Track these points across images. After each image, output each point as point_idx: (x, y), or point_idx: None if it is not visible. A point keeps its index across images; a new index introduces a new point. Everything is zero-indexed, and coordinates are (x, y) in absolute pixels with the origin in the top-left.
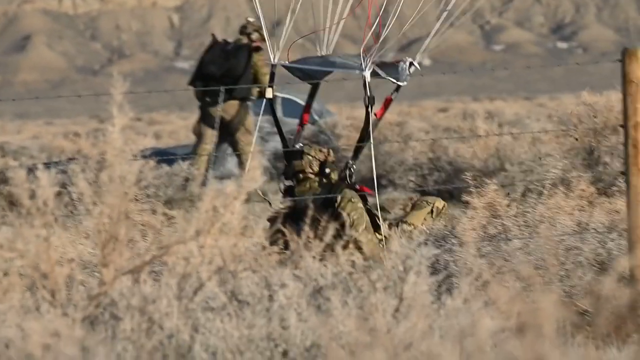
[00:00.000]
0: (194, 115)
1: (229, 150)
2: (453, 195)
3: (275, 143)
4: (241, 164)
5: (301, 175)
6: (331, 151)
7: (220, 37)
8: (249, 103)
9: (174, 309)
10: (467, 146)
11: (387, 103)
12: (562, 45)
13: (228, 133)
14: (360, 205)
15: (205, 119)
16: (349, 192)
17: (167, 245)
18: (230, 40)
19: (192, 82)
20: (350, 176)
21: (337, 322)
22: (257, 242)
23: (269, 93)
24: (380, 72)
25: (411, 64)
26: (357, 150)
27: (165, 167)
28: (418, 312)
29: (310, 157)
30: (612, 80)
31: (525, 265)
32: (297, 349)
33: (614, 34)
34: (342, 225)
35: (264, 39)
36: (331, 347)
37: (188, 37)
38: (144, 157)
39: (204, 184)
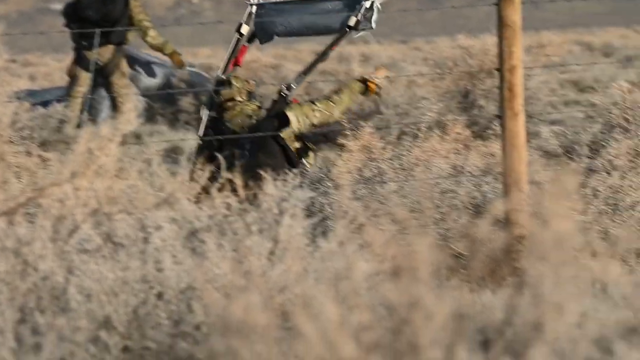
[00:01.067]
0: (69, 58)
1: (104, 93)
2: (328, 138)
3: (150, 82)
4: (116, 107)
5: (230, 103)
6: (254, 82)
7: None
8: (125, 47)
9: (48, 251)
10: None
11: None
12: None
13: (103, 76)
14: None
15: (80, 61)
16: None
17: (42, 187)
18: None
19: (68, 25)
20: (287, 96)
21: (212, 264)
22: (132, 185)
23: (244, 29)
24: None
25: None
26: (306, 72)
27: (40, 109)
28: (293, 255)
29: (239, 87)
30: (487, 23)
31: (401, 208)
32: (172, 291)
33: None
34: (285, 151)
35: None
36: (206, 290)
37: None
38: (19, 99)
39: (79, 126)
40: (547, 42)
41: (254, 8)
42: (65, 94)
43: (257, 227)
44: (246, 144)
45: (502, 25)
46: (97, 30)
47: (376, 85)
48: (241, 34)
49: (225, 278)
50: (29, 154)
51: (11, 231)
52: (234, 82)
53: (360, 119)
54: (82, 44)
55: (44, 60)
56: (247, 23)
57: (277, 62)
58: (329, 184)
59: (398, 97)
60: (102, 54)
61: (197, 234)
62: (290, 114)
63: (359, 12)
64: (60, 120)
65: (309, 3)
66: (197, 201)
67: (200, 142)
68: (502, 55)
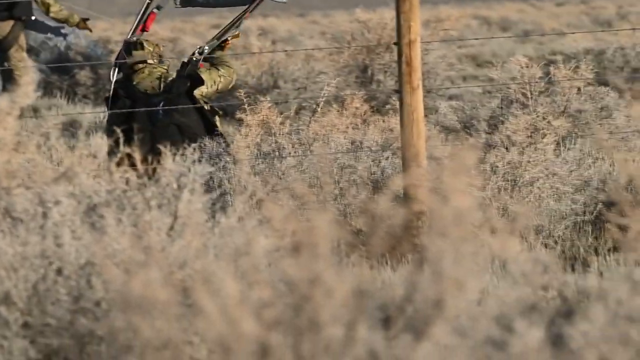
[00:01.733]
0: None
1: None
2: (227, 112)
3: (48, 56)
4: (14, 80)
5: (140, 65)
6: (164, 46)
7: None
8: (25, 21)
9: None
10: (240, 63)
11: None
12: None
13: (1, 50)
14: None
15: None
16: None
17: None
18: None
19: None
20: (198, 60)
21: (112, 240)
22: (30, 159)
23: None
24: None
25: None
26: (219, 37)
27: None
28: (192, 231)
29: (150, 49)
30: None
31: (300, 184)
32: (72, 267)
33: None
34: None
35: None
36: (105, 265)
37: None
38: None
39: None
40: (445, 16)
41: None
42: None
43: (156, 202)
44: (159, 105)
45: None
46: None
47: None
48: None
49: (125, 253)
50: None
51: None
52: (145, 44)
53: (259, 93)
54: None
55: None
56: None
57: (175, 35)
58: (228, 159)
59: (296, 72)
60: (1, 27)
61: (96, 209)
62: (203, 75)
63: None
64: None
65: None
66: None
67: (109, 109)
68: (400, 29)
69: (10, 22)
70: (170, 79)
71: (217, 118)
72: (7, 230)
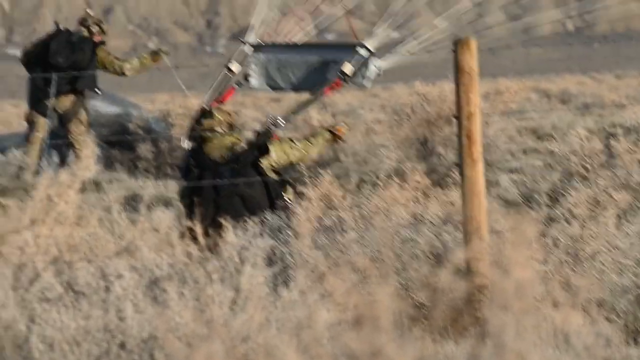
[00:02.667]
0: (26, 103)
1: (62, 140)
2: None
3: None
4: (74, 154)
5: (209, 134)
6: (235, 114)
7: (57, 25)
8: (88, 95)
9: (9, 299)
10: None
11: (336, 86)
12: (393, 34)
13: (61, 123)
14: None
15: (38, 107)
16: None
17: (2, 234)
18: (71, 29)
19: (32, 69)
20: (271, 130)
21: (174, 313)
22: (92, 232)
23: (234, 67)
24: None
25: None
26: (295, 112)
27: None
28: (255, 304)
29: (220, 118)
30: (444, 70)
31: (361, 257)
32: (134, 341)
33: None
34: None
35: (104, 32)
36: (168, 339)
37: (19, 24)
38: None
39: (37, 173)
40: (505, 89)
41: (250, 49)
42: (23, 140)
43: (218, 275)
44: (226, 174)
45: (459, 72)
46: (54, 76)
47: (342, 133)
48: (230, 71)
49: (187, 327)
50: None
51: None
52: (215, 113)
53: (320, 167)
54: (43, 90)
55: (1, 105)
56: (238, 62)
57: (235, 108)
58: (289, 233)
59: (357, 145)
60: (62, 101)
61: (158, 283)
62: (271, 147)
63: (355, 60)
64: (19, 166)
65: (308, 50)
66: (158, 249)
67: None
68: (460, 102)
69: (72, 97)
70: (239, 148)
71: (288, 190)
72: (70, 304)
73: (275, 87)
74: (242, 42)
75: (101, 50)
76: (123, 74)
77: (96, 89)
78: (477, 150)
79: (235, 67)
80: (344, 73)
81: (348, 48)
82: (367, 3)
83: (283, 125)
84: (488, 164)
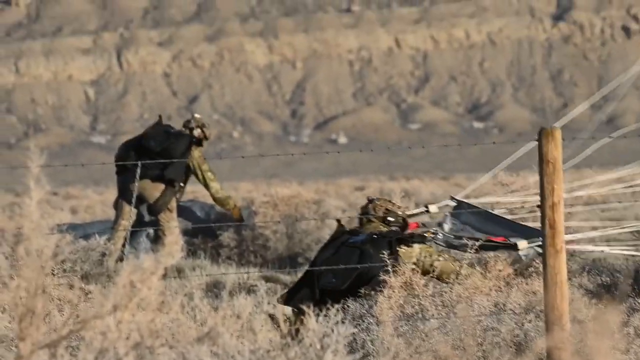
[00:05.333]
0: (110, 190)
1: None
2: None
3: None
4: (159, 239)
5: (365, 219)
6: (401, 208)
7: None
8: (175, 187)
9: None
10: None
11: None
12: (478, 125)
13: (150, 212)
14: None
15: (124, 194)
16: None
17: (85, 319)
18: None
19: (127, 152)
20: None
21: None
22: (174, 318)
23: (432, 208)
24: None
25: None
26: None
27: (82, 242)
28: None
29: (377, 203)
30: (528, 160)
31: (443, 345)
32: None
33: (530, 114)
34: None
35: (205, 137)
36: None
37: (104, 112)
38: (61, 231)
39: (121, 259)
40: (589, 179)
41: (452, 202)
42: (108, 228)
43: None
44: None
45: (543, 162)
46: (139, 163)
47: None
48: (427, 210)
49: None
50: (71, 286)
51: None
52: (375, 200)
53: None
54: (132, 177)
55: (85, 193)
56: (439, 207)
57: (319, 197)
58: (371, 320)
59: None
60: (151, 189)
61: None
62: (417, 246)
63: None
64: (102, 253)
65: (499, 222)
66: (239, 335)
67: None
68: (543, 192)
69: (161, 186)
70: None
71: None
72: None
73: (453, 247)
74: (451, 197)
75: (197, 150)
76: (207, 186)
77: (182, 184)
78: (560, 240)
79: (433, 208)
80: (516, 246)
81: (534, 234)
82: (452, 94)
83: (440, 238)
84: (570, 254)
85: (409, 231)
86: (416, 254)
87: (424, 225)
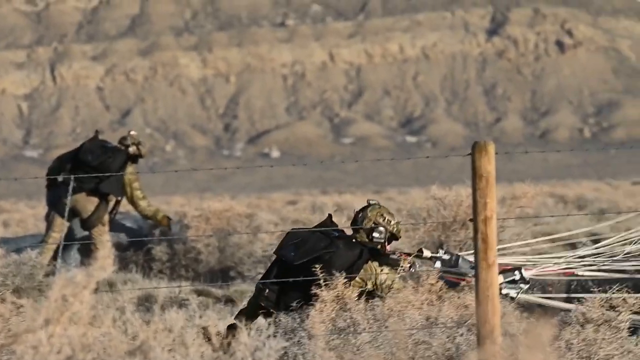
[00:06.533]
0: (43, 204)
1: (78, 240)
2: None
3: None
4: (91, 253)
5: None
6: (392, 224)
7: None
8: (110, 200)
9: None
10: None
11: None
12: (411, 139)
13: (83, 226)
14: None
15: (56, 207)
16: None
17: (16, 333)
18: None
19: (62, 165)
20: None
21: None
22: (106, 332)
23: (426, 252)
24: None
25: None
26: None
27: (14, 256)
28: None
29: (370, 213)
30: (461, 174)
31: (375, 359)
32: None
33: (463, 128)
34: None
35: (141, 155)
36: None
37: (37, 126)
38: None
39: (52, 273)
40: (521, 193)
41: (445, 256)
42: (40, 241)
43: None
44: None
45: (476, 176)
46: (72, 177)
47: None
48: (419, 254)
49: None
50: (2, 300)
51: None
52: (370, 208)
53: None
54: (65, 189)
55: (17, 206)
56: (432, 254)
57: (251, 211)
58: (303, 334)
59: None
60: (85, 203)
61: None
62: (390, 272)
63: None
64: (34, 267)
65: None
66: (171, 349)
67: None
68: (476, 206)
69: (95, 200)
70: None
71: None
72: None
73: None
74: (445, 251)
75: (131, 167)
76: (133, 204)
77: (119, 197)
78: (493, 254)
79: (426, 253)
80: (502, 292)
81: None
82: (386, 108)
83: (417, 268)
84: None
85: (388, 250)
86: (380, 276)
87: (409, 254)
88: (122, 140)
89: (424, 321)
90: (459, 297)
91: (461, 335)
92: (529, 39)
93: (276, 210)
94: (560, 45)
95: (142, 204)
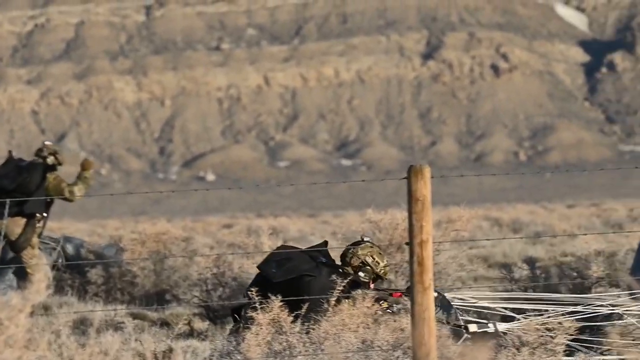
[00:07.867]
0: None
1: (12, 264)
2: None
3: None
4: (25, 277)
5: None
6: (380, 265)
7: (10, 154)
8: (36, 222)
9: None
10: (251, 262)
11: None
12: (346, 162)
13: (12, 248)
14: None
15: None
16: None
17: None
18: (26, 159)
19: None
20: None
21: None
22: (41, 355)
23: (472, 327)
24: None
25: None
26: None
27: None
28: None
29: (359, 252)
30: (396, 197)
31: None
32: None
33: (399, 152)
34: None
35: (59, 163)
36: None
37: None
38: None
39: None
40: (456, 217)
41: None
42: None
43: None
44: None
45: (412, 200)
46: (8, 201)
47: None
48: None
49: None
50: None
51: None
52: (363, 243)
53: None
54: None
55: None
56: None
57: (187, 234)
58: (239, 357)
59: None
60: (12, 228)
61: None
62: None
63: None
64: None
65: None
66: None
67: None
68: (412, 229)
69: (21, 222)
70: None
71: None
72: None
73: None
74: (437, 292)
75: (52, 176)
76: (73, 198)
77: (45, 213)
78: (429, 277)
79: (472, 327)
80: (467, 328)
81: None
82: (321, 131)
83: (395, 309)
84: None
85: (372, 287)
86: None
87: (391, 294)
88: (39, 152)
89: (360, 344)
90: (395, 320)
91: (397, 358)
92: (464, 63)
93: (212, 234)
94: (495, 69)
95: (75, 190)
